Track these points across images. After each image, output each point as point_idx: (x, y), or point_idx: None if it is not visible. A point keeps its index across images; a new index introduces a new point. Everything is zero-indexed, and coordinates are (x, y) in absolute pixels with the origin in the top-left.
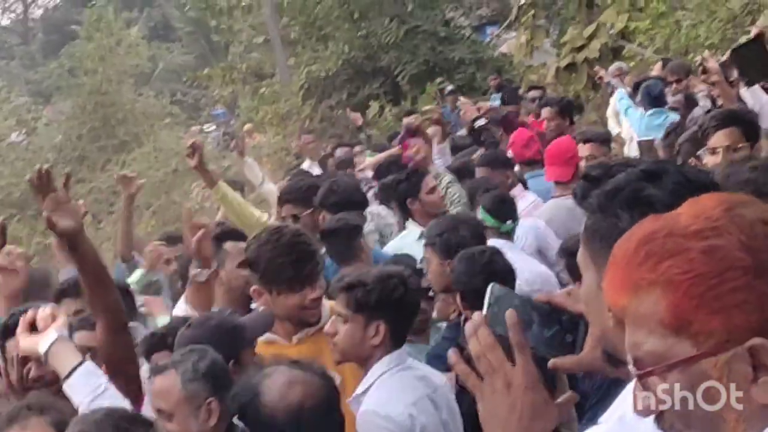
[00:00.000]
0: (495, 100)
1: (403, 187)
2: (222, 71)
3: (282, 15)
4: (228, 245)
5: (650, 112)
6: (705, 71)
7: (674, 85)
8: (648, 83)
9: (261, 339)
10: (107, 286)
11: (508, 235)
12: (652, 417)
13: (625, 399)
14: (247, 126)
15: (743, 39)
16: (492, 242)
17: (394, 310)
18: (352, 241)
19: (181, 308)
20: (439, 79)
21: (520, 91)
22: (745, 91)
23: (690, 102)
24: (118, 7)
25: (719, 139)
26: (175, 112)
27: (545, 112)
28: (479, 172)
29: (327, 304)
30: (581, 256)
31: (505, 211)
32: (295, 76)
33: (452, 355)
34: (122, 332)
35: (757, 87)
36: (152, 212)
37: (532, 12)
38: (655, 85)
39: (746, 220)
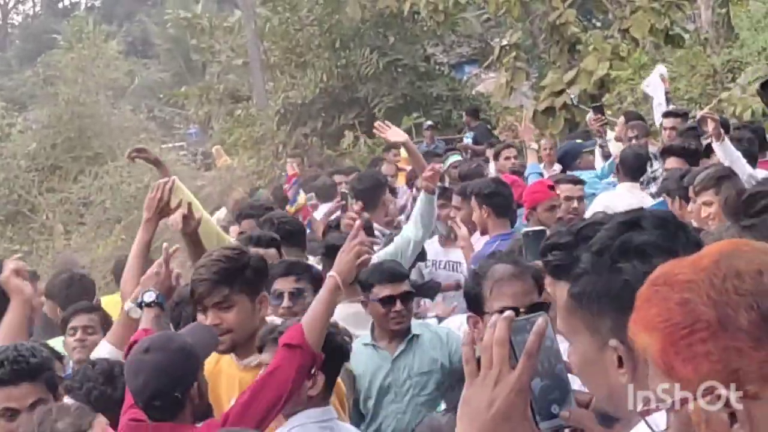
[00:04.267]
0: (468, 138)
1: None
2: (199, 90)
3: (263, 39)
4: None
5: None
6: (704, 124)
7: (633, 141)
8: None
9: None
10: None
11: None
12: None
13: None
14: (216, 147)
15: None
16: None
17: (334, 363)
18: None
19: (105, 349)
20: (415, 114)
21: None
22: (717, 146)
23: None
24: (98, 20)
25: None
26: (150, 128)
27: None
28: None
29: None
30: (566, 326)
31: None
32: (271, 101)
33: (466, 336)
34: None
35: (727, 142)
36: (123, 227)
37: (514, 54)
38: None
39: (727, 272)
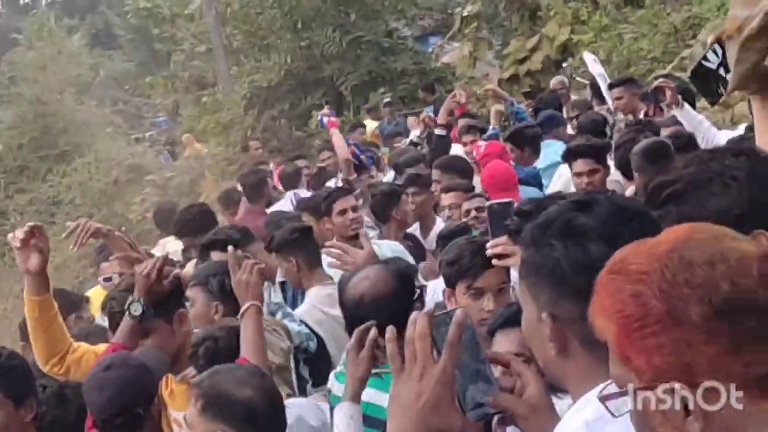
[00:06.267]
0: (429, 112)
1: (319, 205)
2: (164, 80)
3: (224, 24)
4: (215, 255)
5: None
6: (660, 93)
7: (574, 121)
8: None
9: None
10: None
11: None
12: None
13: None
14: (186, 136)
15: (696, 50)
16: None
17: None
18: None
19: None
20: (381, 90)
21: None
22: (677, 113)
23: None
24: (60, 15)
25: None
26: (116, 121)
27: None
28: (434, 175)
29: None
30: (520, 290)
31: None
32: (237, 86)
33: (390, 332)
34: None
35: (687, 107)
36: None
37: (475, 24)
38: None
39: (679, 264)
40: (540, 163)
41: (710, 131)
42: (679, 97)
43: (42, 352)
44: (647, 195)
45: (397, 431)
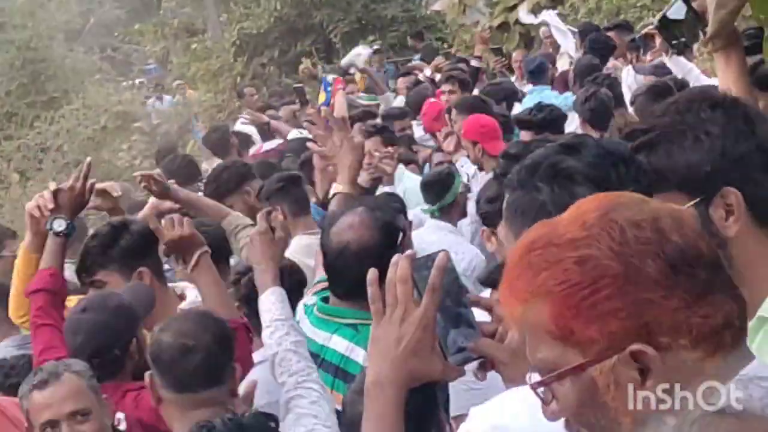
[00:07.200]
0: (417, 60)
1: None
2: (153, 27)
3: None
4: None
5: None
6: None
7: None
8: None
9: None
10: None
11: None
12: None
13: None
14: (177, 82)
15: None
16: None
17: None
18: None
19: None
20: (371, 37)
21: (453, 50)
22: (668, 61)
23: None
24: None
25: None
26: (105, 68)
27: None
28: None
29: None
30: (504, 233)
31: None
32: (227, 33)
33: (372, 274)
34: None
35: (677, 56)
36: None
37: None
38: (531, 61)
39: (624, 223)
40: None
41: (699, 79)
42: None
43: (22, 305)
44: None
45: (378, 375)
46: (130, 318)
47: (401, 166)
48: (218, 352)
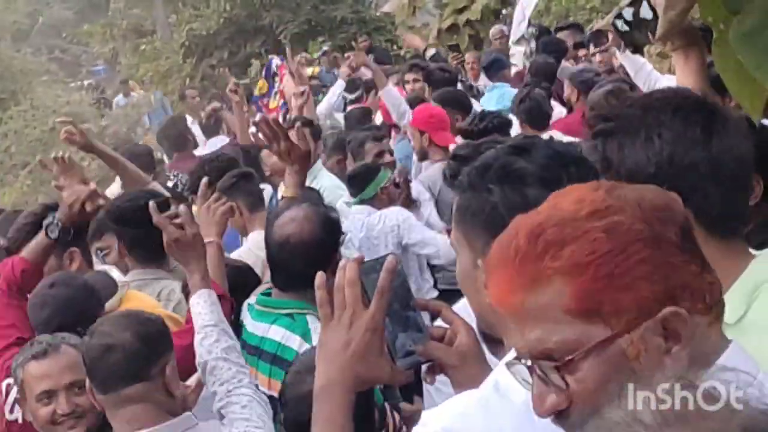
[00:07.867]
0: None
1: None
2: (102, 28)
3: None
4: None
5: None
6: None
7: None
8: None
9: None
10: None
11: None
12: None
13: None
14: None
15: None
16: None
17: None
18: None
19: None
20: (320, 38)
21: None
22: (622, 57)
23: None
24: None
25: None
26: (53, 69)
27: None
28: None
29: None
30: (455, 236)
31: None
32: (176, 34)
33: (320, 278)
34: None
35: (629, 53)
36: (29, 171)
37: None
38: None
39: (633, 197)
40: (489, 106)
41: (650, 76)
42: (623, 41)
43: None
44: (586, 121)
45: (326, 379)
46: (94, 297)
47: (318, 163)
48: (140, 350)
